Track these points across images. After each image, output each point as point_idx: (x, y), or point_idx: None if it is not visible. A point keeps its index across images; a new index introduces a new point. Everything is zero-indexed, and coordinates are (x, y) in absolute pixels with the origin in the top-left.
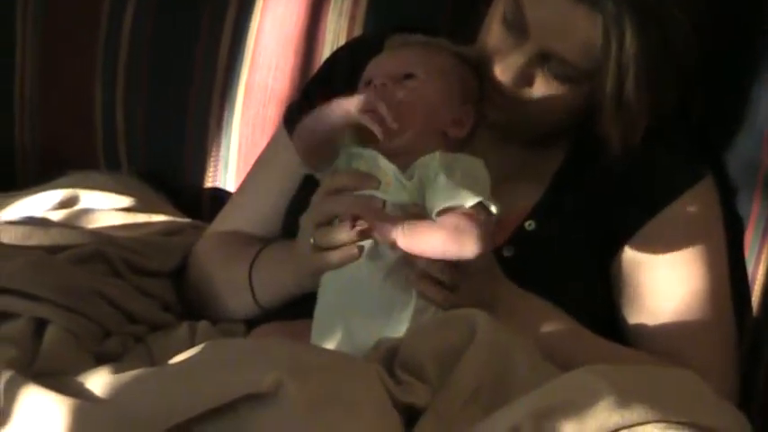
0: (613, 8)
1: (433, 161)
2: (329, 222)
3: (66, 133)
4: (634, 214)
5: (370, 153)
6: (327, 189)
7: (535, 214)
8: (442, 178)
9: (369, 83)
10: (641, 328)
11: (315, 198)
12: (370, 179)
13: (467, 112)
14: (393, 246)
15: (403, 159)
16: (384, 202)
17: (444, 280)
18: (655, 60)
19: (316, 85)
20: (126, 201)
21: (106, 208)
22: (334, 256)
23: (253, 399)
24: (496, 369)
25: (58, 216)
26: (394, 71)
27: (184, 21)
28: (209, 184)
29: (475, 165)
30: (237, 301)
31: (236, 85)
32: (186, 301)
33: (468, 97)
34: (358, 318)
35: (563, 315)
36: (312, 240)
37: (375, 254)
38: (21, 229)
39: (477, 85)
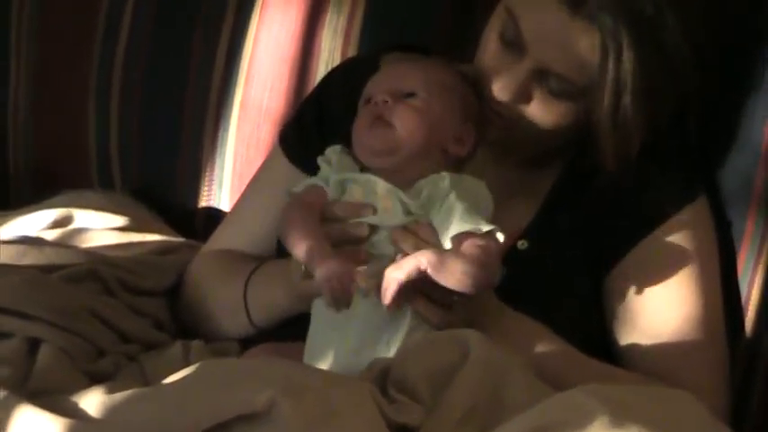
0: (611, 23)
1: (442, 181)
2: None
3: (59, 153)
4: (627, 234)
5: (366, 178)
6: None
7: (528, 234)
8: (452, 199)
9: (369, 100)
10: (633, 348)
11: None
12: (364, 209)
13: (468, 130)
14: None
15: (402, 176)
16: (375, 228)
17: (441, 300)
18: (652, 75)
19: (310, 105)
20: (120, 220)
21: (100, 227)
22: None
23: (246, 419)
24: (490, 389)
25: (52, 235)
26: (395, 88)
27: (179, 39)
28: (203, 203)
29: (480, 187)
30: (232, 321)
31: (231, 103)
32: (180, 321)
33: (470, 115)
34: (351, 338)
35: (555, 337)
36: (303, 267)
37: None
38: (15, 248)
39: (477, 103)
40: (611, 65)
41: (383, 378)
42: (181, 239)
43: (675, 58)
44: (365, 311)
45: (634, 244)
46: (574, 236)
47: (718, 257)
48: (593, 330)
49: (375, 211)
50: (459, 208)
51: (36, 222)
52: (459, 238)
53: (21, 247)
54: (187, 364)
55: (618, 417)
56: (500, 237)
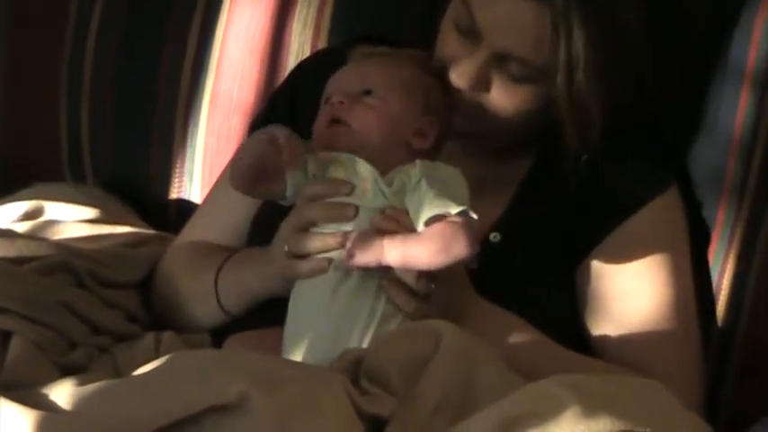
0: (561, 2)
1: (413, 169)
2: (306, 230)
3: (30, 145)
4: (600, 222)
5: (349, 157)
6: (304, 197)
7: (500, 226)
8: (423, 185)
9: (327, 100)
10: (605, 339)
11: (298, 203)
12: (344, 186)
13: (430, 122)
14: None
15: (378, 168)
16: (357, 209)
17: (417, 289)
18: (605, 53)
19: (281, 96)
20: (91, 212)
21: (71, 219)
22: (305, 266)
23: (217, 411)
24: (462, 379)
25: (22, 228)
26: (352, 87)
27: (150, 31)
28: (174, 195)
29: (454, 174)
30: (203, 309)
31: (201, 95)
32: (153, 313)
33: (431, 108)
34: (327, 325)
35: (530, 328)
36: (286, 247)
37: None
38: None
39: (443, 96)
40: (562, 44)
41: (355, 368)
42: (152, 232)
43: (628, 35)
44: (341, 297)
45: (607, 232)
46: (547, 226)
47: (689, 246)
48: (566, 320)
49: (353, 190)
50: (429, 193)
51: (6, 215)
52: (429, 223)
53: None
54: (159, 356)
55: (589, 407)
56: (473, 215)
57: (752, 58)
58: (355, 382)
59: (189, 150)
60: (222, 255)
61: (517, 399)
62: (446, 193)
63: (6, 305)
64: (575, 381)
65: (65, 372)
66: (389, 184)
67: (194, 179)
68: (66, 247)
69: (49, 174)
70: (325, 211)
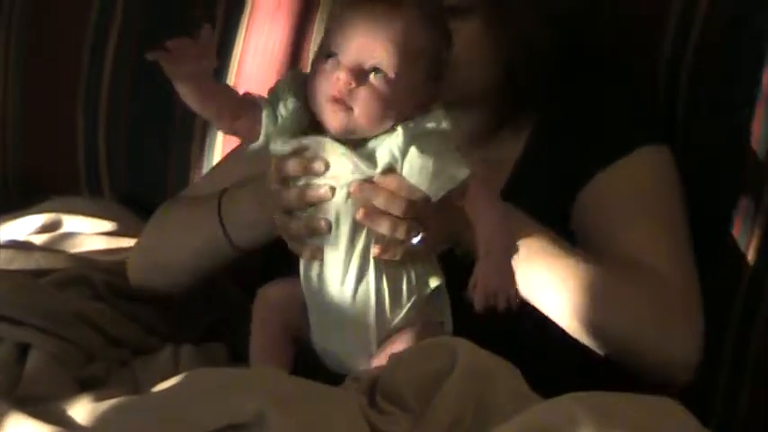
0: None
1: (396, 138)
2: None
3: (48, 159)
4: (592, 161)
5: (315, 141)
6: (276, 177)
7: (503, 197)
8: (416, 157)
9: (330, 56)
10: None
11: (268, 178)
12: (317, 165)
13: (429, 91)
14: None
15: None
16: (334, 190)
17: (407, 222)
18: None
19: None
20: (108, 225)
21: (89, 232)
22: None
23: (235, 429)
24: (477, 397)
25: (40, 240)
26: (359, 60)
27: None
28: None
29: (436, 129)
30: (208, 248)
31: None
32: (141, 277)
33: (432, 72)
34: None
35: (542, 228)
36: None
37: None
38: (4, 253)
39: (446, 52)
40: None
41: (371, 387)
42: None
43: None
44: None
45: (594, 172)
46: (544, 188)
47: (683, 201)
48: None
49: (328, 166)
50: (425, 168)
51: (24, 227)
52: (445, 198)
53: (9, 252)
54: (177, 370)
55: (604, 424)
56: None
57: None
58: (371, 401)
59: (206, 165)
60: (218, 193)
61: (533, 415)
62: (441, 160)
63: (24, 318)
64: (590, 397)
65: (83, 385)
66: (369, 158)
67: None
68: (84, 259)
69: (66, 188)
70: (302, 196)
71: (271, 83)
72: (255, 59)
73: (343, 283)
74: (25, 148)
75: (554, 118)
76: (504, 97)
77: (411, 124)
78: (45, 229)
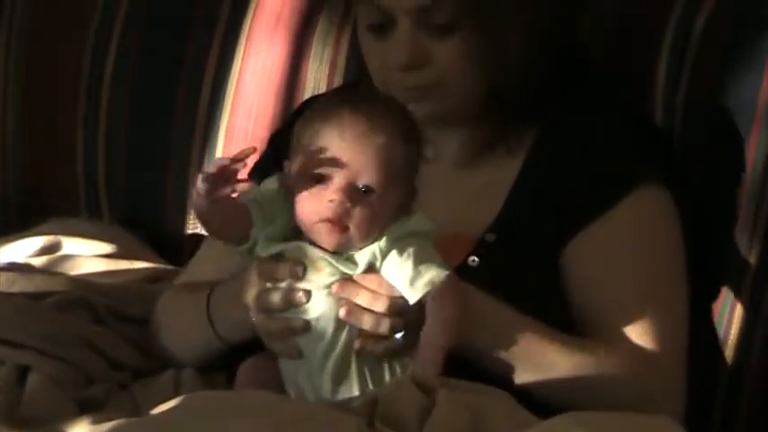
0: None
1: (377, 249)
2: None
3: (47, 181)
4: (576, 217)
5: (296, 247)
6: (259, 280)
7: (494, 228)
8: (396, 258)
9: (325, 179)
10: (591, 321)
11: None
12: (295, 270)
13: (408, 194)
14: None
15: None
16: (310, 293)
17: (392, 319)
18: None
19: (282, 135)
20: (108, 247)
21: (88, 254)
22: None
23: None
24: (472, 419)
25: (39, 262)
26: (352, 179)
27: (166, 66)
28: (190, 230)
29: (416, 232)
30: (201, 342)
31: (217, 131)
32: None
33: (412, 176)
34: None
35: (533, 322)
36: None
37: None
38: (4, 275)
39: (420, 149)
40: None
41: (370, 410)
42: (169, 267)
43: None
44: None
45: (584, 226)
46: (539, 219)
47: (678, 237)
48: (557, 312)
49: (304, 274)
50: (404, 272)
51: (24, 249)
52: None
53: (10, 275)
54: (178, 393)
55: None
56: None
57: None
58: (370, 424)
59: None
60: (209, 286)
61: None
62: (423, 264)
63: (25, 341)
64: (585, 417)
65: (83, 407)
66: (349, 259)
67: None
68: (84, 282)
69: (66, 210)
70: (286, 299)
71: (268, 103)
72: (254, 80)
73: (321, 380)
74: (24, 171)
75: (549, 139)
76: (491, 112)
77: (393, 227)
78: (44, 251)
